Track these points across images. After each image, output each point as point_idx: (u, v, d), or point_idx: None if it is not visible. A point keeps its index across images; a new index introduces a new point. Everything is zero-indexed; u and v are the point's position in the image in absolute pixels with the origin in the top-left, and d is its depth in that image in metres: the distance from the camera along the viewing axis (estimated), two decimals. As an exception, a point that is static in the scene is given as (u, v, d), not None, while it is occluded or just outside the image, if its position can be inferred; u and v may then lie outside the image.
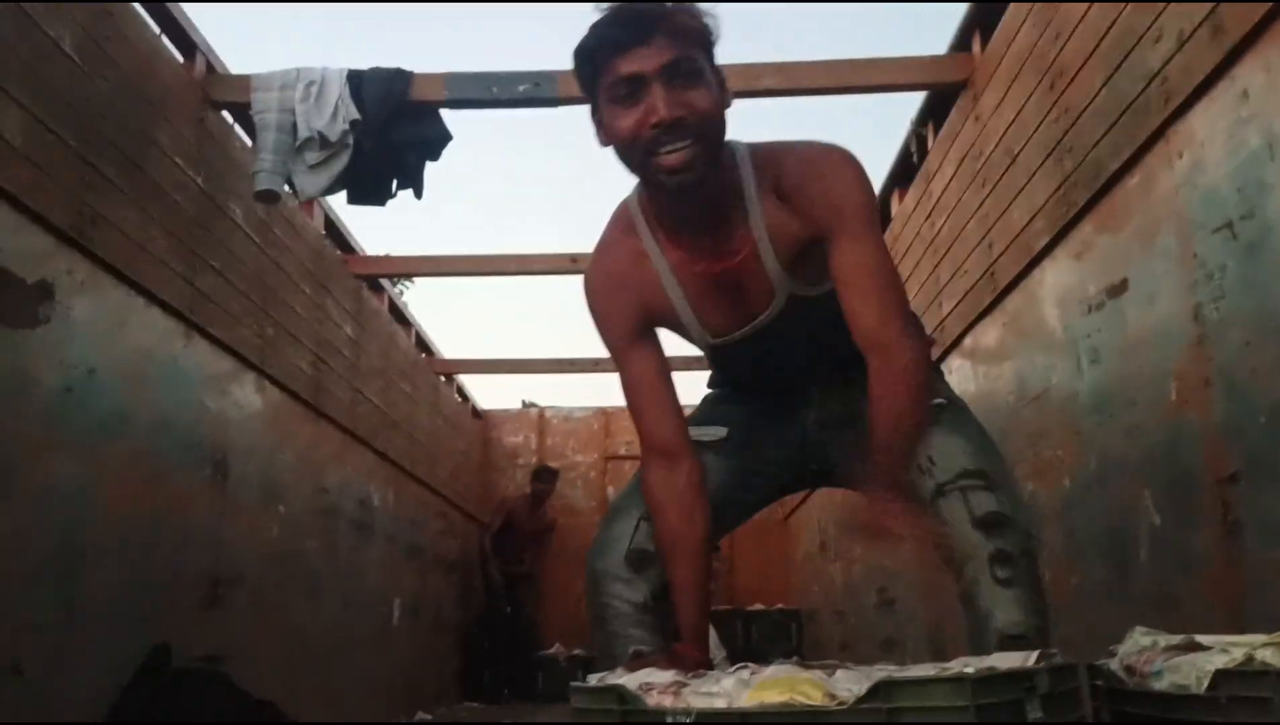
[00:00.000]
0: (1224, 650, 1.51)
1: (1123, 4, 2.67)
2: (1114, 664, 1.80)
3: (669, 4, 1.75)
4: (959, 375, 4.25)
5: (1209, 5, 2.27)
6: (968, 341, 4.12)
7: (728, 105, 1.79)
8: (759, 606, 8.72)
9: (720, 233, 1.84)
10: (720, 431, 2.09)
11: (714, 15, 1.78)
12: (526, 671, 8.36)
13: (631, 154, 1.76)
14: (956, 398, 2.03)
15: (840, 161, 1.84)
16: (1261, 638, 1.45)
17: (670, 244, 1.89)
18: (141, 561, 3.32)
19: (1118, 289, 2.80)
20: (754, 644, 8.36)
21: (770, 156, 1.85)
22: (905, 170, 5.06)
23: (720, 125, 1.77)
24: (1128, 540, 2.77)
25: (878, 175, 5.37)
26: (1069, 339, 3.14)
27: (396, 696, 6.30)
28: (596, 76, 1.75)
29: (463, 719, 6.88)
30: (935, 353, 4.44)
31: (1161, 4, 2.47)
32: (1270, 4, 2.06)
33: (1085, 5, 2.91)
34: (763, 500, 2.19)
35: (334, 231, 5.62)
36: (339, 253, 5.67)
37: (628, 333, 1.95)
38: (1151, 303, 2.62)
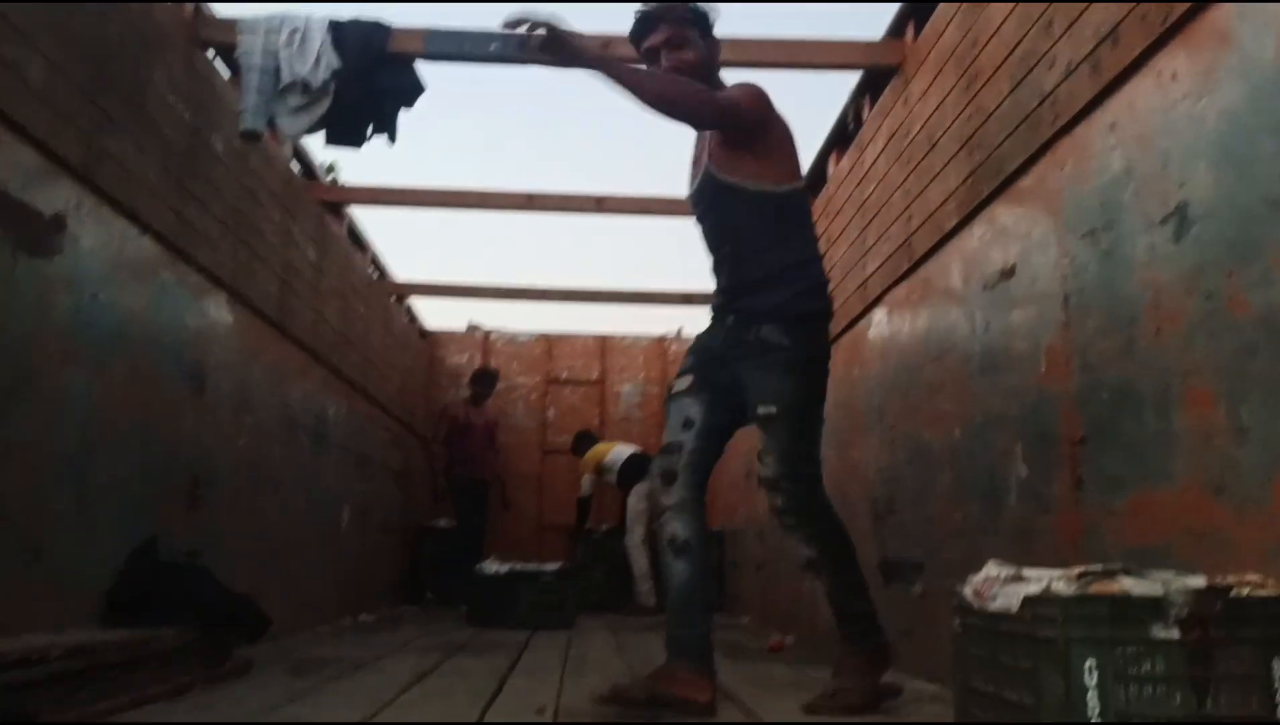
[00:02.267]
0: (1037, 581, 1.99)
1: (1028, 26, 3.08)
2: (967, 589, 2.30)
3: (670, 3, 3.11)
4: (878, 328, 4.72)
5: (1093, 42, 2.69)
6: (887, 300, 4.57)
7: (715, 55, 3.19)
8: (685, 526, 9.21)
9: None
10: (686, 380, 3.10)
11: (707, 7, 3.17)
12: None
13: None
14: (795, 403, 2.99)
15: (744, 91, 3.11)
16: (1060, 572, 1.93)
17: None
18: (136, 463, 3.69)
19: (1008, 272, 3.25)
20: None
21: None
22: (843, 135, 5.46)
23: (701, 68, 3.09)
24: (1001, 485, 3.27)
25: (818, 137, 5.78)
26: (968, 310, 3.59)
27: (345, 595, 6.75)
28: (639, 45, 3.17)
29: (403, 620, 7.34)
30: (860, 307, 4.92)
31: (1058, 34, 2.88)
32: (1138, 52, 2.49)
33: (1001, 17, 3.31)
34: (732, 422, 3.11)
35: (300, 158, 5.88)
36: (304, 180, 5.95)
37: None
38: (1033, 287, 3.08)
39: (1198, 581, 1.89)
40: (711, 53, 3.16)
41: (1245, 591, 1.85)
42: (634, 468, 8.55)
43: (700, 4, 3.15)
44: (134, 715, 2.74)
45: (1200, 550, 2.18)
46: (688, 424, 3.04)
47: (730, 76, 3.26)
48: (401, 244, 19.11)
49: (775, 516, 3.01)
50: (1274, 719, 1.79)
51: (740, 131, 3.02)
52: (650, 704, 2.74)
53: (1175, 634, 1.81)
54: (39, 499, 3.08)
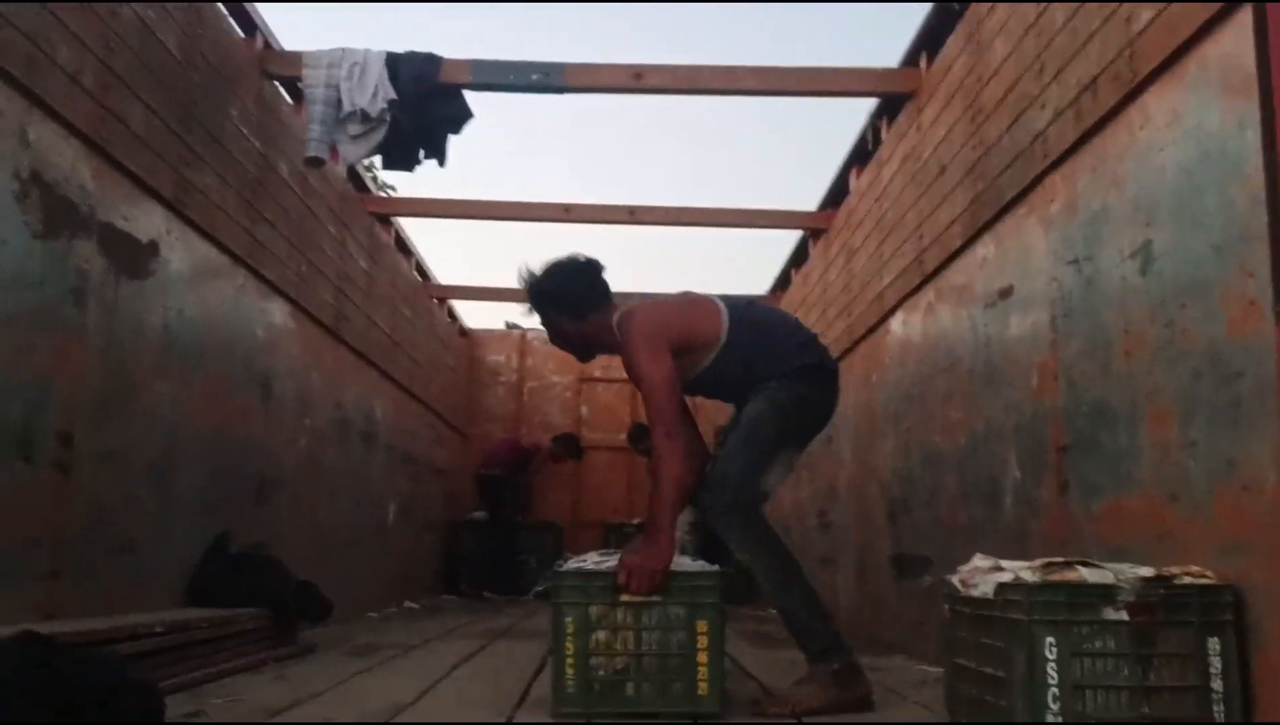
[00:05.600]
0: (1009, 571, 2.32)
1: (1023, 70, 3.38)
2: (955, 579, 2.63)
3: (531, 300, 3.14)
4: (893, 337, 5.03)
5: (1076, 91, 2.99)
6: (900, 312, 4.88)
7: (594, 327, 3.14)
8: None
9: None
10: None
11: (556, 285, 3.10)
12: (506, 571, 9.21)
13: None
14: (753, 414, 3.16)
15: (624, 339, 3.10)
16: (1025, 564, 2.26)
17: None
18: (211, 465, 4.09)
19: (1005, 293, 3.56)
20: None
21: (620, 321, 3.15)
22: (863, 151, 5.77)
23: (578, 338, 3.19)
24: (1000, 488, 3.58)
25: (840, 153, 6.08)
26: (972, 325, 3.90)
27: (392, 585, 7.16)
28: None
29: (445, 608, 7.72)
30: (876, 317, 5.23)
31: (1048, 80, 3.19)
32: (1113, 103, 2.79)
33: (1000, 59, 3.61)
34: None
35: (352, 173, 6.27)
36: (357, 192, 6.33)
37: None
38: (1026, 309, 3.39)
39: (1146, 571, 2.21)
40: (587, 327, 3.15)
41: (1186, 580, 2.17)
42: None
43: (552, 292, 3.10)
44: (218, 686, 3.12)
45: (1160, 550, 2.48)
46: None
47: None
48: (443, 249, 19.69)
49: None
50: (1207, 687, 2.11)
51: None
52: None
53: (1124, 616, 2.13)
54: (132, 499, 3.48)
